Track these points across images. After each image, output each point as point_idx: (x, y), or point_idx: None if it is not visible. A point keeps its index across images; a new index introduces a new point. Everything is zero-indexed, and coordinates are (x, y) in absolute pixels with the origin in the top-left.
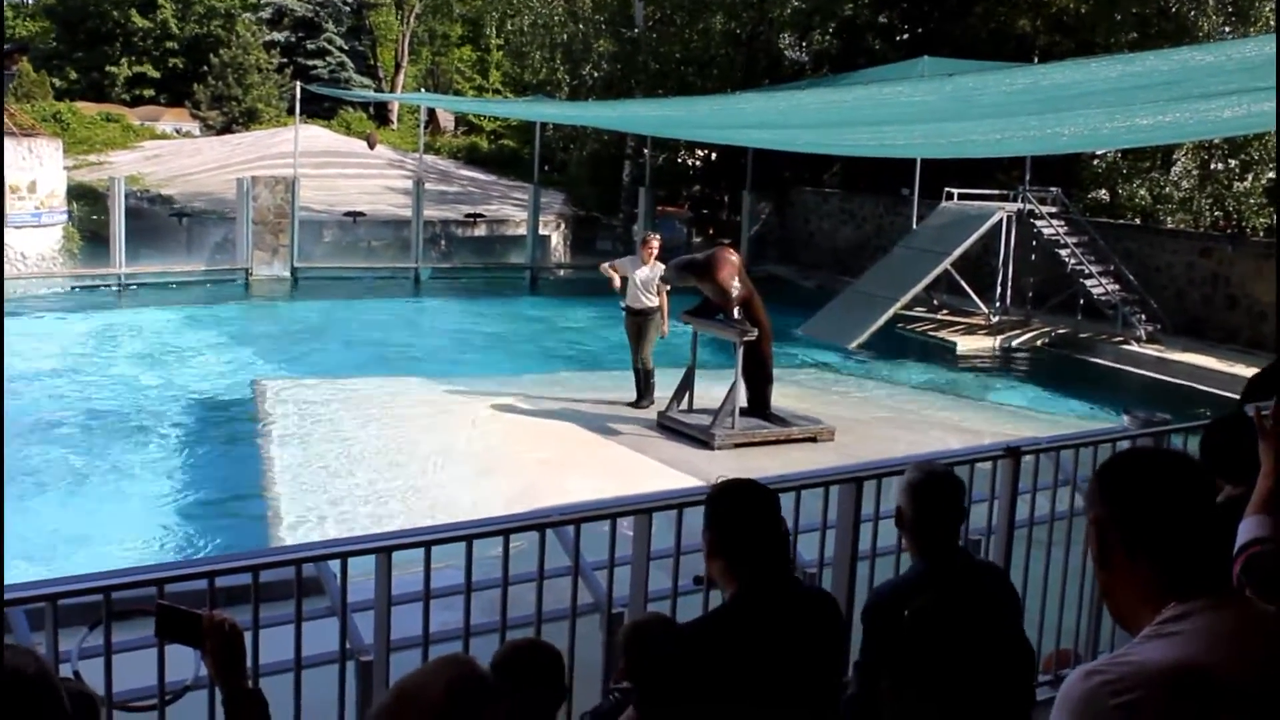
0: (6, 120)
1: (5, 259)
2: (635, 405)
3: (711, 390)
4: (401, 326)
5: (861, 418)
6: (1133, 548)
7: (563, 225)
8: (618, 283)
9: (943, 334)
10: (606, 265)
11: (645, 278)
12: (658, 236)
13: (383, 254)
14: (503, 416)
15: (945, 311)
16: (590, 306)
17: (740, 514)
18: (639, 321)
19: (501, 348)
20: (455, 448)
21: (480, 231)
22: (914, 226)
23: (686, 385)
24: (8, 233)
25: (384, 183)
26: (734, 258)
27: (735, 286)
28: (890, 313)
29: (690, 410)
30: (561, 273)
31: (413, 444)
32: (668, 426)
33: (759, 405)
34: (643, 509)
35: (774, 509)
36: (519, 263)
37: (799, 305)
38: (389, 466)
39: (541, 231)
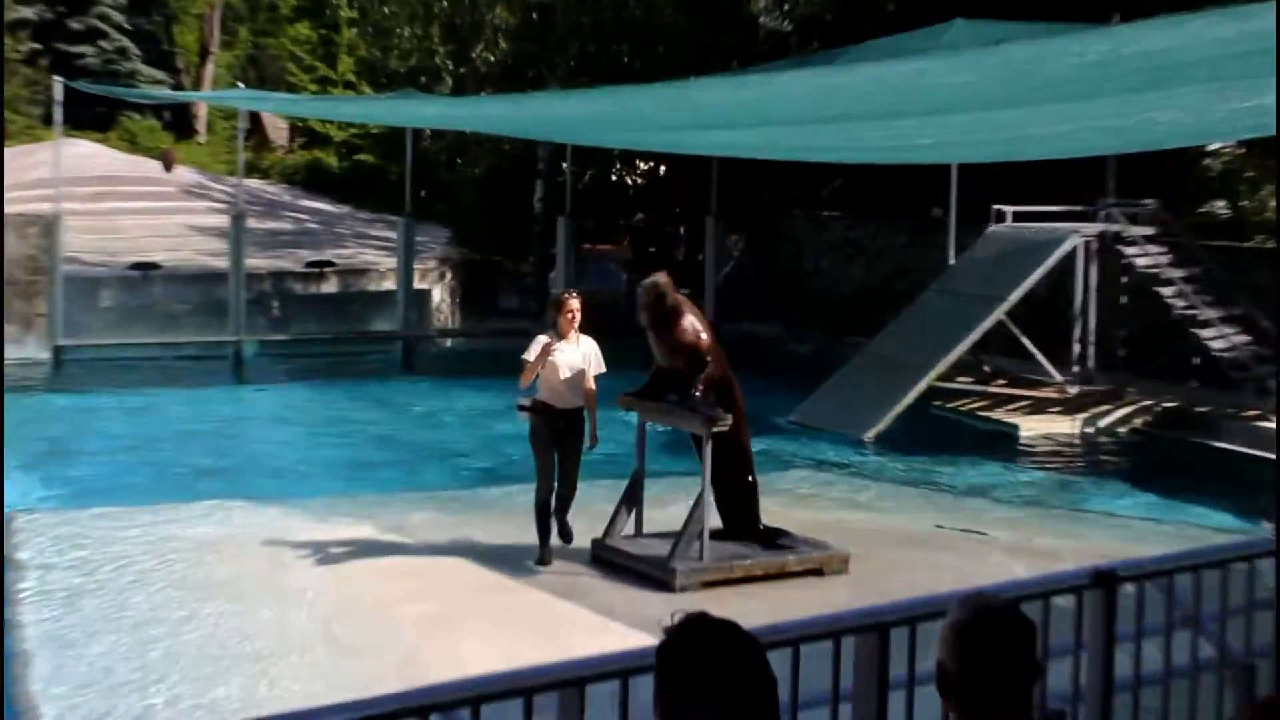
0: None
1: None
2: (541, 561)
3: (667, 507)
4: (216, 428)
5: (885, 538)
6: None
7: (448, 275)
8: (528, 379)
9: (998, 414)
10: (533, 350)
11: (568, 360)
12: (576, 295)
13: (188, 323)
14: (366, 555)
15: (1001, 382)
16: (489, 390)
17: (703, 674)
18: (559, 428)
19: (363, 454)
20: (293, 618)
21: (329, 287)
22: (951, 261)
23: (632, 500)
24: None
25: (187, 220)
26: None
27: (705, 342)
28: (921, 387)
29: (639, 536)
30: (448, 343)
31: (238, 624)
32: (607, 560)
33: (740, 525)
34: (571, 680)
35: (757, 667)
36: (386, 330)
37: (789, 380)
38: (205, 661)
39: (418, 285)
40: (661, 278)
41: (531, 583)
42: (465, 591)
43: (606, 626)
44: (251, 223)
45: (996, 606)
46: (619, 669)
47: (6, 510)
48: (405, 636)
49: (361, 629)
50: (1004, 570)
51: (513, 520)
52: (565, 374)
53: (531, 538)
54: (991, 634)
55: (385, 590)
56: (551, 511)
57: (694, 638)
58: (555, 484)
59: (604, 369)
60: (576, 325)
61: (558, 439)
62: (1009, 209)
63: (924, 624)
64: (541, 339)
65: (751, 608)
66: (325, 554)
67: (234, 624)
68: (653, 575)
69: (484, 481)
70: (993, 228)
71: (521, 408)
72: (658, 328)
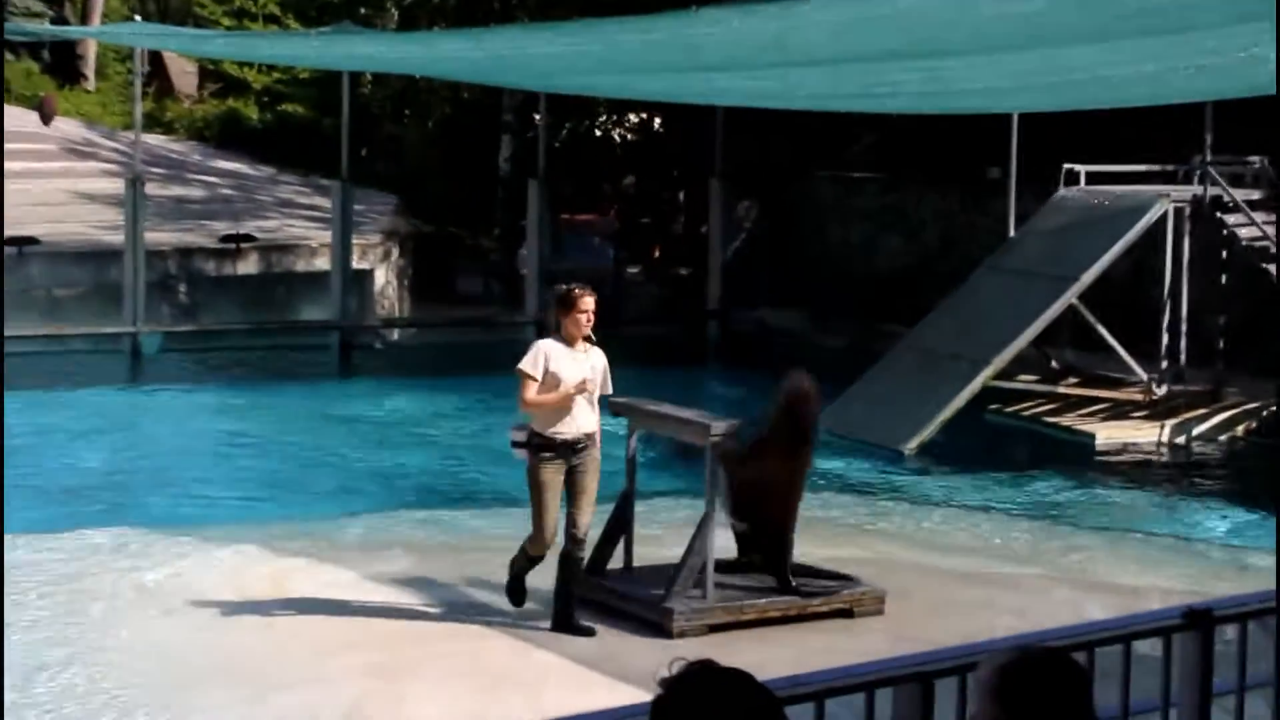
0: None
1: None
2: (567, 626)
3: (663, 536)
4: (110, 438)
5: (929, 573)
6: None
7: (394, 252)
8: (533, 402)
9: (1069, 420)
10: (534, 360)
11: (579, 375)
12: (590, 292)
13: (74, 310)
14: (298, 594)
15: (1072, 381)
16: (445, 393)
17: None
18: (572, 462)
19: (287, 472)
20: (177, 676)
21: (248, 267)
22: (1010, 233)
23: (620, 528)
24: None
25: (72, 184)
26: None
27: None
28: (974, 388)
29: (629, 570)
30: (395, 335)
31: (139, 685)
32: (590, 600)
33: (774, 560)
34: None
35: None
36: (319, 320)
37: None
38: None
39: (358, 264)
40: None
41: (498, 628)
42: (416, 639)
43: (589, 680)
44: (152, 188)
45: (1042, 650)
46: None
47: None
48: (342, 696)
49: (284, 690)
50: (1073, 610)
51: (475, 550)
52: (577, 396)
53: (500, 575)
54: (1038, 679)
55: (315, 639)
56: (530, 569)
57: (695, 692)
58: (556, 538)
59: (610, 391)
60: (589, 326)
61: (567, 478)
62: (1082, 169)
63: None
64: (544, 346)
65: (768, 656)
66: (233, 593)
67: (89, 686)
68: (646, 618)
69: (439, 504)
70: (1062, 192)
71: (517, 443)
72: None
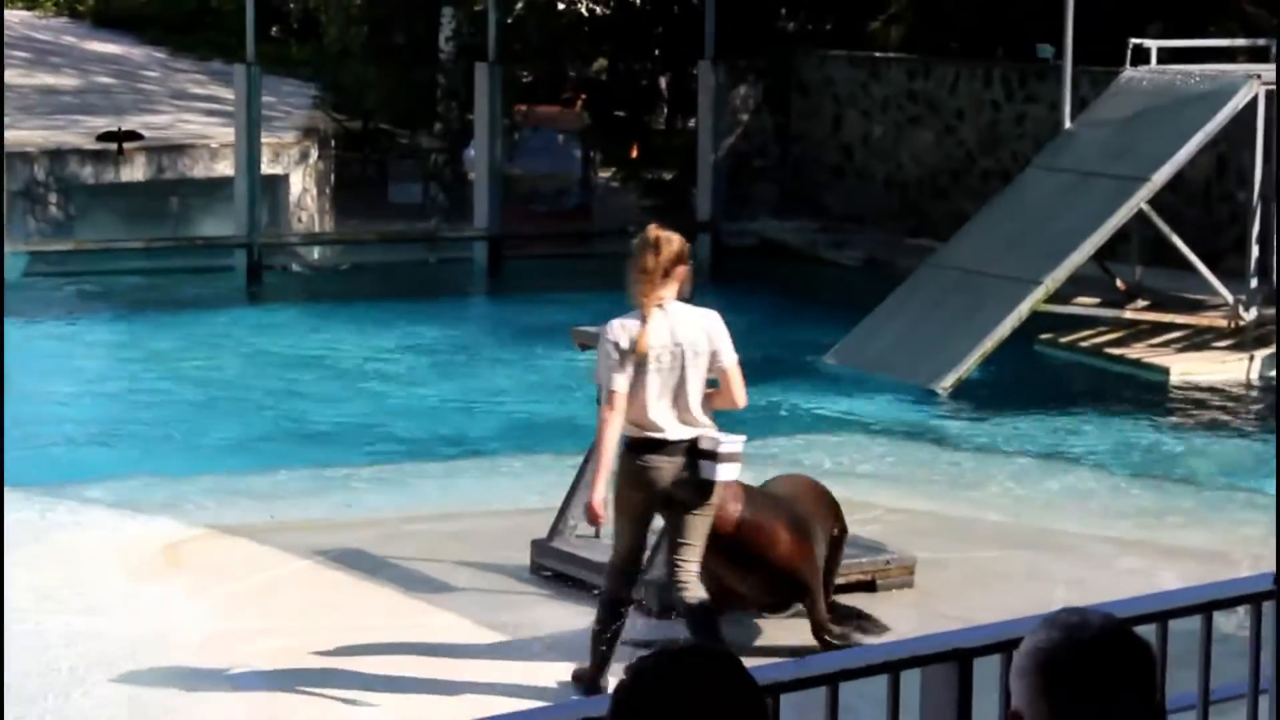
0: None
1: None
2: (587, 681)
3: None
4: None
5: (967, 536)
6: None
7: (314, 154)
8: (614, 423)
9: (1137, 351)
10: (611, 364)
11: (669, 353)
12: (673, 233)
13: None
14: (196, 569)
15: (1141, 304)
16: (379, 323)
17: None
18: (668, 477)
19: (182, 418)
20: (56, 667)
21: (134, 172)
22: (1066, 124)
23: (588, 483)
24: None
25: None
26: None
27: None
28: (1021, 312)
29: (598, 538)
30: (314, 254)
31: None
32: (552, 570)
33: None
34: None
35: (754, 718)
36: (222, 236)
37: (824, 303)
38: None
39: (269, 168)
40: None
41: (439, 604)
42: (336, 618)
43: (546, 666)
44: (14, 76)
45: (1097, 624)
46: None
47: None
48: (247, 687)
49: (175, 680)
50: (1143, 580)
51: (417, 508)
52: (665, 379)
53: (436, 549)
54: (1097, 663)
55: (214, 619)
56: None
57: (664, 680)
58: (641, 566)
59: (734, 355)
60: (681, 286)
61: (661, 497)
62: (1153, 44)
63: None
64: (621, 326)
65: (771, 637)
66: (118, 568)
67: None
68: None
69: (368, 459)
70: (1128, 73)
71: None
72: None
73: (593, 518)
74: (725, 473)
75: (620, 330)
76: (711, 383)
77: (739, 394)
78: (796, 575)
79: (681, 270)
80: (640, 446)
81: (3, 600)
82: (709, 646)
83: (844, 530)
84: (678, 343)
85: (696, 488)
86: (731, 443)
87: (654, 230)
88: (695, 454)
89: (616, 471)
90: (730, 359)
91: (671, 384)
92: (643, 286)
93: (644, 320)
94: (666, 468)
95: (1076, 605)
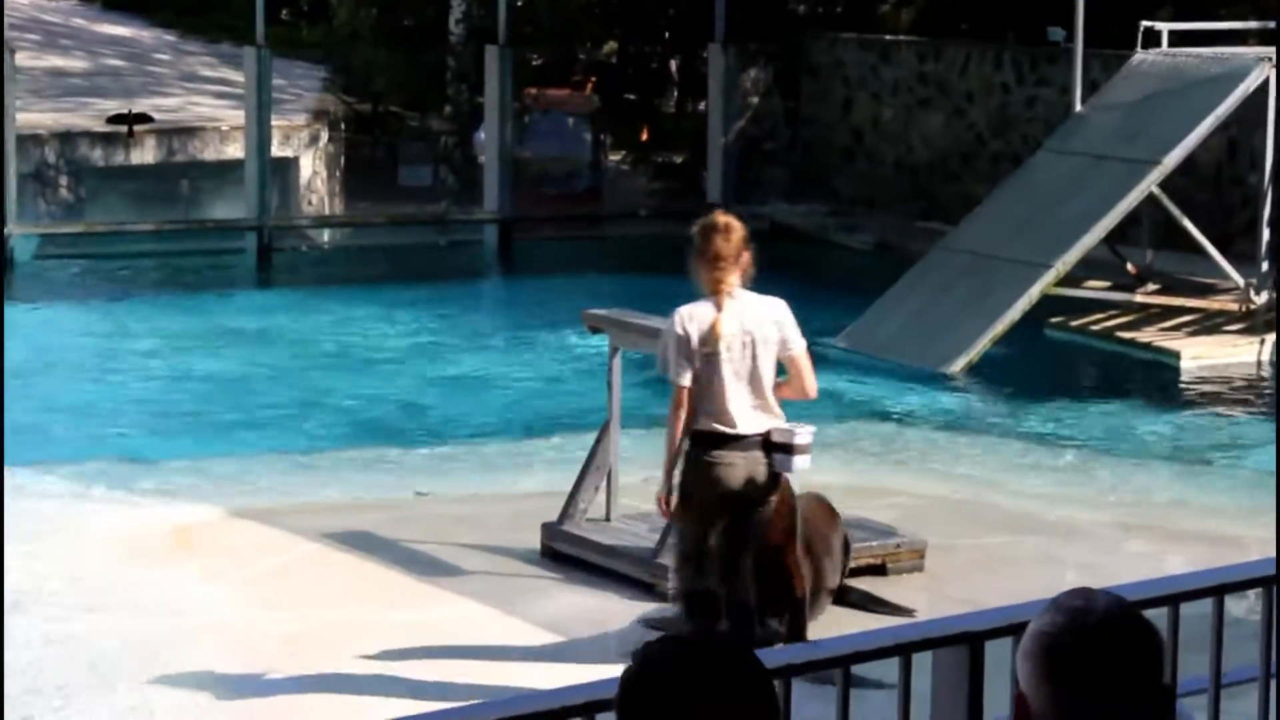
0: None
1: None
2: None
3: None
4: None
5: (976, 520)
6: None
7: (324, 136)
8: (684, 421)
9: (1148, 335)
10: (672, 357)
11: (740, 343)
12: (736, 218)
13: None
14: (187, 548)
15: (1152, 288)
16: (389, 305)
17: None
18: (750, 470)
19: (192, 402)
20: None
21: (144, 154)
22: (1076, 107)
23: (599, 467)
24: None
25: None
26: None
27: None
28: (1031, 296)
29: (611, 520)
30: (325, 237)
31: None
32: (564, 555)
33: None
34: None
35: (760, 708)
36: (232, 219)
37: (835, 287)
38: None
39: (279, 151)
40: None
41: (449, 588)
42: (347, 601)
43: (558, 650)
44: (23, 58)
45: (1102, 607)
46: (579, 702)
47: None
48: (258, 672)
49: (186, 666)
50: (1153, 565)
51: (424, 500)
52: (738, 370)
53: (446, 531)
54: (1102, 647)
55: (225, 604)
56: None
57: (672, 666)
58: (708, 576)
59: (803, 341)
60: (743, 273)
61: (731, 494)
62: (1164, 27)
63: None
64: (689, 315)
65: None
66: (128, 553)
67: None
68: (633, 576)
69: (376, 441)
70: (1140, 55)
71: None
72: None
73: (663, 512)
74: (800, 464)
75: (689, 319)
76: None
77: (810, 383)
78: (792, 587)
79: (747, 257)
80: (711, 441)
81: (2, 600)
82: (716, 633)
83: (848, 544)
84: (748, 331)
85: (768, 482)
86: (804, 433)
87: (720, 215)
88: (768, 447)
89: (683, 468)
90: (800, 347)
91: (744, 374)
92: (714, 273)
93: (718, 308)
94: (740, 464)
95: (1087, 588)
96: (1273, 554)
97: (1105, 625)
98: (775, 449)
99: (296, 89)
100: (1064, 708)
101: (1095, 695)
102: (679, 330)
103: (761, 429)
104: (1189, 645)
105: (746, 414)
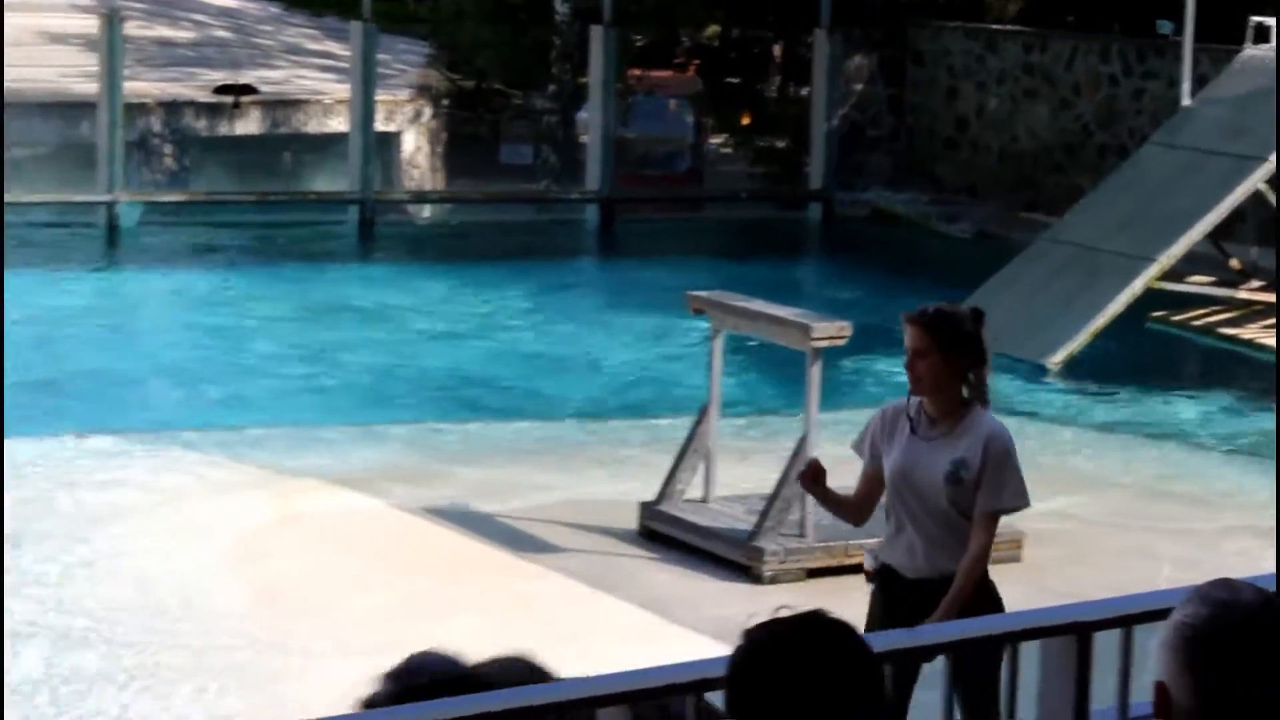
0: None
1: None
2: None
3: (752, 470)
4: (79, 329)
5: (1076, 513)
6: None
7: (427, 112)
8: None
9: (1251, 331)
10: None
11: (924, 472)
12: (924, 318)
13: (38, 175)
14: (294, 515)
15: (1256, 284)
16: (489, 282)
17: (792, 697)
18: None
19: (295, 372)
20: (170, 621)
21: (249, 125)
22: (1184, 101)
23: (698, 449)
24: None
25: (35, 21)
26: None
27: None
28: (1134, 289)
29: (708, 501)
30: (426, 212)
31: (133, 640)
32: (662, 535)
33: None
34: (610, 696)
35: (867, 689)
36: (334, 191)
37: (935, 275)
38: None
39: (382, 126)
40: None
41: (553, 565)
42: (450, 574)
43: (659, 629)
44: (132, 28)
45: (1247, 600)
46: (687, 680)
47: None
48: (353, 639)
49: (280, 631)
50: (1250, 562)
51: (526, 469)
52: (918, 503)
53: (542, 508)
54: (1247, 640)
55: (325, 572)
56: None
57: (784, 647)
58: None
59: (1016, 503)
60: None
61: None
62: (1273, 21)
63: (1144, 627)
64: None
65: None
66: (231, 519)
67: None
68: (729, 558)
69: (482, 415)
70: (1249, 51)
71: (870, 574)
72: None
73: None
74: None
75: None
76: None
77: None
78: None
79: None
80: None
81: (2, 600)
82: (822, 614)
83: None
84: None
85: None
86: None
87: None
88: None
89: None
90: None
91: None
92: None
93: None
94: None
95: (1230, 579)
96: None
97: (1251, 617)
98: None
99: (401, 64)
100: (1207, 699)
101: (1239, 687)
102: (889, 413)
103: None
104: None
105: (921, 555)
